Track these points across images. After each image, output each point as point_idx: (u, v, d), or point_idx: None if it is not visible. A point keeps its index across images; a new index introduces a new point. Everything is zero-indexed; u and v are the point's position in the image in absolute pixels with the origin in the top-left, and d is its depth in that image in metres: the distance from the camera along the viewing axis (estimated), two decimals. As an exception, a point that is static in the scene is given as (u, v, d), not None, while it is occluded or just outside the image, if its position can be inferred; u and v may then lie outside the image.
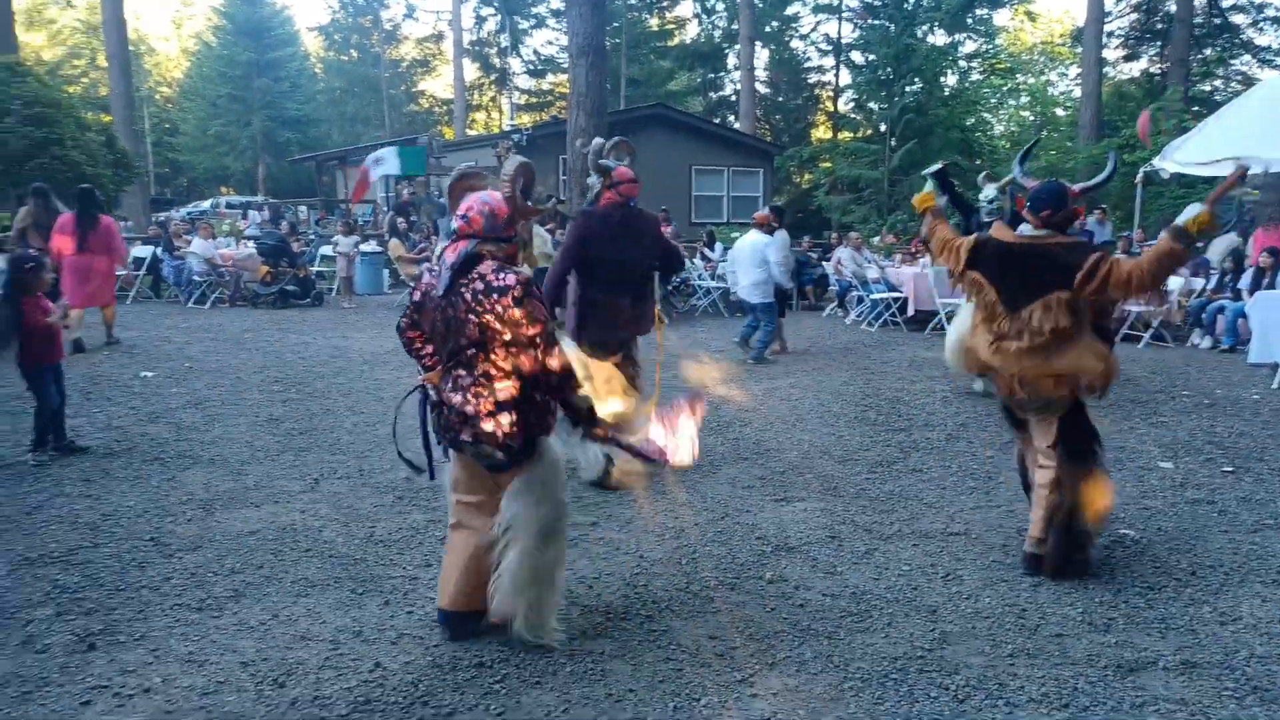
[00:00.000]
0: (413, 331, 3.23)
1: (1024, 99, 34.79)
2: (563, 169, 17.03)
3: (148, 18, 66.99)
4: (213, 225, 14.37)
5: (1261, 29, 25.77)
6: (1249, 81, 23.40)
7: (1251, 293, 9.40)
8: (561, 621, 3.27)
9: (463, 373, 3.00)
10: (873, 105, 27.70)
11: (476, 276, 2.93)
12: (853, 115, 31.03)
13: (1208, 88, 26.17)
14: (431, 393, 3.15)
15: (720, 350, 9.54)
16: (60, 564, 3.74)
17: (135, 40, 36.46)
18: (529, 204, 3.13)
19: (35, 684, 2.85)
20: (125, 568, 3.73)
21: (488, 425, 2.95)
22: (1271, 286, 9.28)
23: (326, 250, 14.80)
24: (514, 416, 2.97)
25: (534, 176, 3.09)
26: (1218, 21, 25.88)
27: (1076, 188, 3.92)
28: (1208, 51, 26.36)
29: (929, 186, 4.37)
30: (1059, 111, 32.94)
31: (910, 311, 11.18)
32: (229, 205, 28.80)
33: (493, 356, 2.96)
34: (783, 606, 3.55)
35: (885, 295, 11.59)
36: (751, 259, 8.85)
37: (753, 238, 8.96)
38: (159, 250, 13.01)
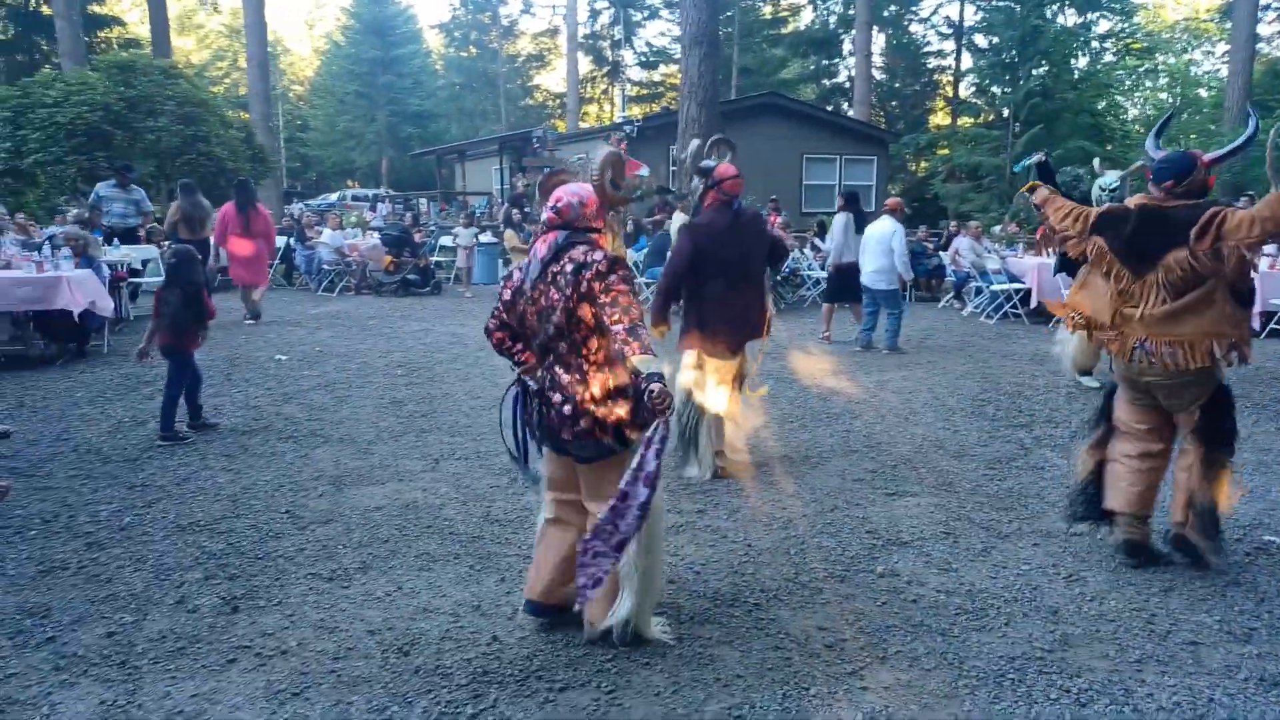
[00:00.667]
0: (500, 332, 3.17)
1: (1162, 80, 32.69)
2: (672, 159, 17.05)
3: (284, 20, 70.77)
4: (340, 216, 15.11)
5: None
6: None
7: None
8: (668, 610, 3.32)
9: (560, 370, 2.96)
10: (995, 90, 26.67)
11: (566, 260, 2.91)
12: (974, 100, 29.92)
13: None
14: (532, 384, 3.07)
15: (832, 341, 9.39)
16: (207, 532, 4.04)
17: (272, 42, 38.58)
18: (619, 193, 3.11)
19: (189, 640, 3.10)
20: (264, 538, 4.00)
21: (586, 422, 2.90)
22: None
23: (446, 241, 15.36)
24: (617, 405, 2.91)
25: (624, 166, 3.10)
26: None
27: (1207, 156, 3.66)
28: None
29: (1032, 177, 4.21)
30: (1202, 93, 30.78)
31: (1033, 303, 10.70)
32: (355, 198, 30.14)
33: (586, 349, 2.91)
34: (894, 601, 3.50)
35: (1006, 286, 11.14)
36: (879, 246, 8.69)
37: (883, 225, 8.78)
38: (292, 240, 13.79)
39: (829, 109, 27.80)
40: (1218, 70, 31.06)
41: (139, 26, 31.49)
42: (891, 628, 3.28)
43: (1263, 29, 24.92)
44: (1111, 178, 6.84)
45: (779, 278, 12.54)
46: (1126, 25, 28.74)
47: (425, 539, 4.03)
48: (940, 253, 13.80)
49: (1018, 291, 11.05)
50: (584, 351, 2.94)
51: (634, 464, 2.78)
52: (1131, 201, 3.80)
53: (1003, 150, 23.00)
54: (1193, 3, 36.12)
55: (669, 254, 5.03)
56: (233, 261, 10.09)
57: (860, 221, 9.26)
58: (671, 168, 17.37)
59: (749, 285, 5.01)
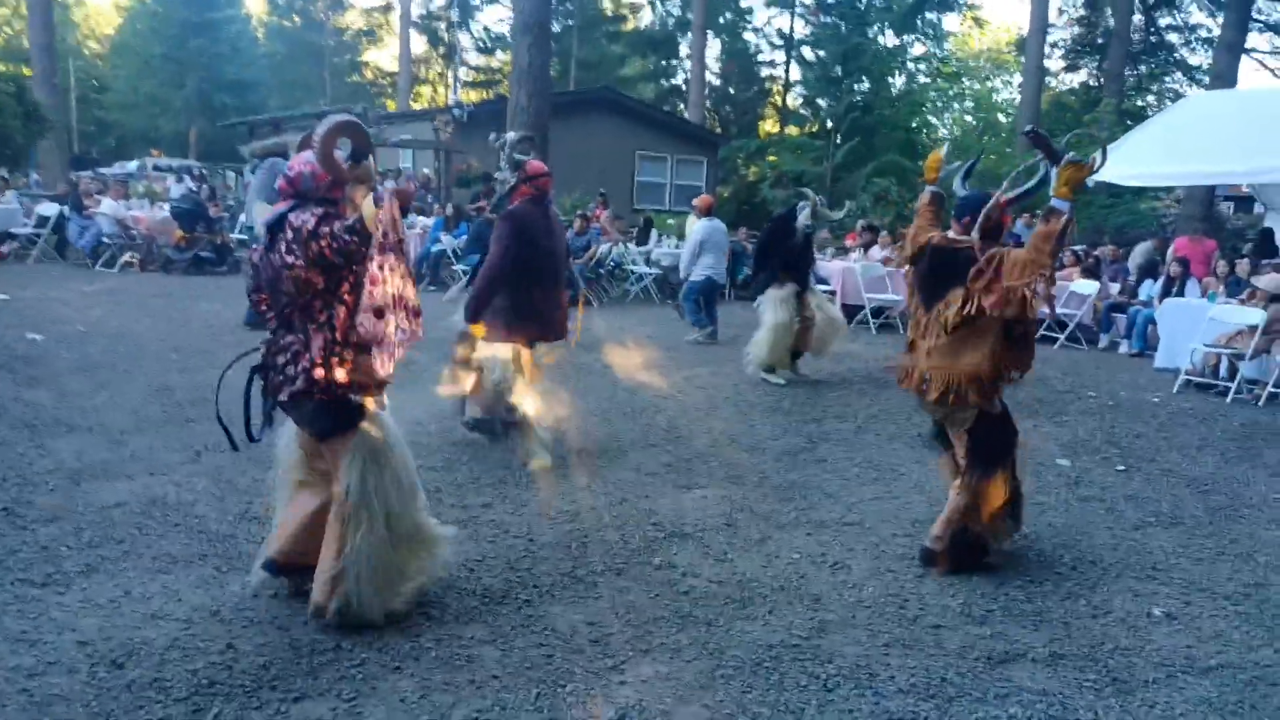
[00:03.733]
0: (257, 294, 3.07)
1: (968, 103, 35.37)
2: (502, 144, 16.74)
3: (80, -31, 63.91)
4: (128, 186, 13.77)
5: (1193, 49, 26.57)
6: (1179, 98, 24.12)
7: (1161, 299, 9.66)
8: (431, 610, 3.16)
9: (283, 332, 2.94)
10: (820, 101, 27.91)
11: (286, 227, 2.83)
12: (801, 111, 31.20)
13: (1141, 103, 26.90)
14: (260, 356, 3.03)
15: (649, 336, 9.46)
16: (-104, 532, 3.49)
17: (63, -9, 34.90)
18: (354, 167, 2.92)
19: None
20: (-31, 538, 3.50)
21: (303, 383, 2.87)
22: (1180, 295, 9.54)
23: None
24: (328, 373, 2.87)
25: (365, 137, 2.89)
26: (1153, 39, 26.61)
27: (1005, 198, 3.76)
28: (1142, 68, 27.09)
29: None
30: (1001, 118, 33.54)
31: (837, 305, 11.23)
32: (157, 167, 27.73)
33: (311, 310, 2.87)
34: (666, 593, 3.49)
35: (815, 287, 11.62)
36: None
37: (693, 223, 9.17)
38: (66, 210, 12.40)
39: (665, 109, 28.21)
40: (1014, 99, 33.95)
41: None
42: (660, 619, 3.27)
43: (1050, 64, 27.42)
44: (805, 219, 7.43)
45: (600, 271, 12.56)
46: (938, 50, 30.93)
47: (169, 538, 3.66)
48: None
49: (824, 293, 11.55)
50: (308, 314, 2.89)
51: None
52: (938, 237, 3.84)
53: (824, 160, 24.08)
54: (995, 35, 39.31)
55: (491, 242, 4.88)
56: None
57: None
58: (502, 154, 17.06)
59: (556, 283, 5.06)
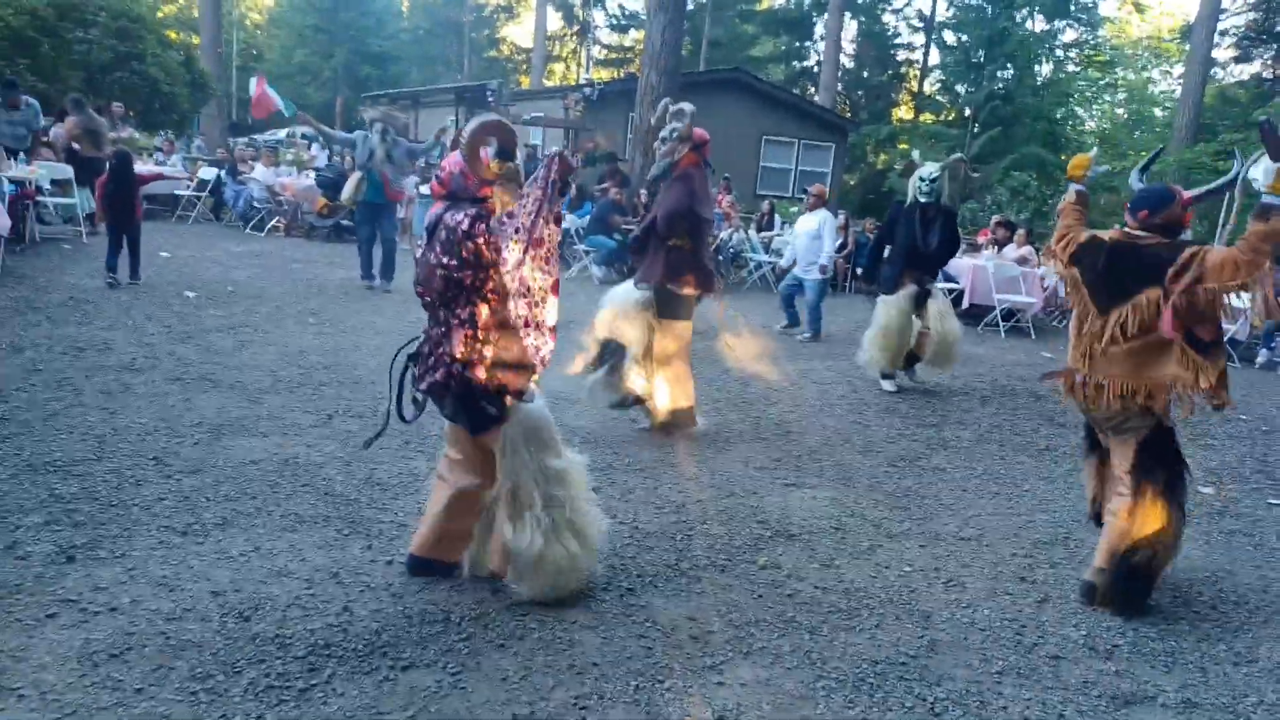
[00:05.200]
0: (418, 287, 3.16)
1: (1120, 95, 33.19)
2: (630, 127, 16.77)
3: (245, -56, 67.71)
4: (277, 153, 14.52)
5: (1389, 39, 24.04)
6: (1366, 94, 21.90)
7: (1334, 318, 8.82)
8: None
9: (430, 325, 3.04)
10: (959, 88, 26.76)
11: (441, 227, 2.93)
12: (938, 97, 30.01)
13: (1321, 98, 24.60)
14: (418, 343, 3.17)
15: (764, 326, 9.33)
16: (61, 473, 3.80)
17: (230, -35, 36.97)
18: (506, 166, 2.99)
19: (8, 589, 2.89)
20: (122, 484, 3.77)
21: (441, 375, 2.96)
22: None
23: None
24: (477, 371, 2.94)
25: (512, 136, 2.96)
26: (1342, 27, 24.23)
27: (1188, 194, 3.51)
28: (1326, 59, 24.73)
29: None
30: (1157, 111, 31.33)
31: (965, 305, 10.78)
32: (304, 136, 29.18)
33: (455, 307, 2.94)
34: (770, 594, 3.44)
35: (942, 285, 11.19)
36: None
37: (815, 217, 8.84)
38: (223, 174, 13.22)
39: (794, 91, 27.65)
40: (1173, 90, 31.63)
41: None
42: (762, 621, 3.22)
43: (1218, 54, 25.37)
44: (932, 168, 6.61)
45: (719, 258, 12.45)
46: (1091, 37, 29.05)
47: (297, 498, 3.85)
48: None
49: (951, 292, 11.11)
50: (457, 311, 2.95)
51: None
52: (1106, 234, 3.62)
53: (960, 149, 23.14)
54: (1156, 21, 36.67)
55: (675, 204, 5.05)
56: None
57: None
58: (629, 135, 17.09)
59: (705, 247, 5.34)
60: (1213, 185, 3.68)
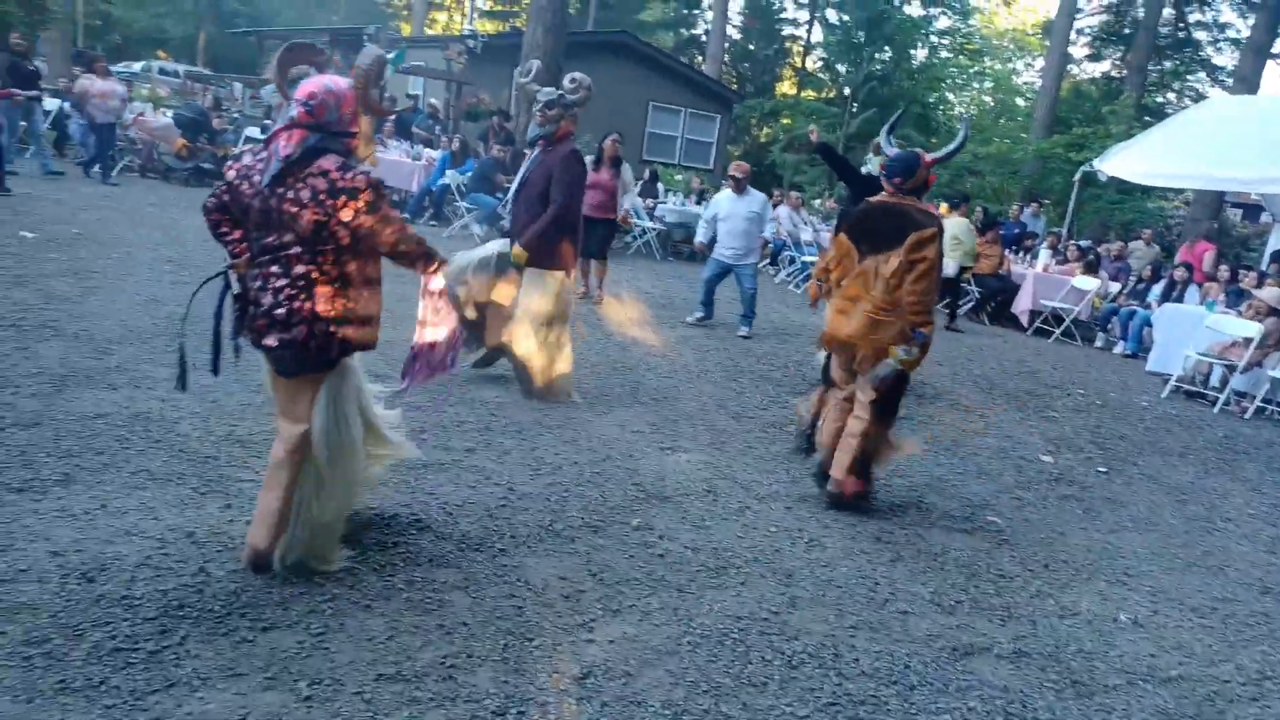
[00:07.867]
0: (219, 213, 2.87)
1: (988, 83, 34.88)
2: (514, 84, 16.41)
3: None
4: (131, 88, 13.44)
5: (1220, 49, 26.13)
6: (1200, 98, 23.84)
7: (1161, 303, 9.65)
8: (409, 551, 3.16)
9: (277, 271, 2.75)
10: (840, 67, 27.46)
11: (318, 173, 2.69)
12: (820, 75, 30.71)
13: (1161, 99, 26.60)
14: (235, 284, 2.86)
15: (646, 293, 9.40)
16: (-128, 424, 3.45)
17: (76, -124, 33.64)
18: (384, 104, 2.89)
19: None
20: (-54, 437, 3.46)
21: (301, 331, 2.74)
22: (1180, 300, 9.53)
23: (254, 132, 14.02)
24: (331, 325, 2.78)
25: (384, 73, 2.85)
26: (1181, 35, 26.18)
27: (929, 156, 4.15)
28: (1166, 64, 26.70)
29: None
30: (1019, 101, 33.14)
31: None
32: (163, 71, 27.12)
33: (319, 259, 2.73)
34: (642, 554, 3.50)
35: (815, 258, 11.56)
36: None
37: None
38: (67, 106, 12.13)
39: (682, 60, 27.70)
40: (1035, 82, 33.49)
41: None
42: (632, 580, 3.28)
43: (1074, 51, 27.00)
44: (873, 163, 7.31)
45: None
46: (963, 25, 30.37)
47: (149, 454, 3.63)
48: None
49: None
50: (322, 263, 2.74)
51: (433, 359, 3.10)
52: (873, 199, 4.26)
53: (839, 127, 23.79)
54: (1021, 15, 38.64)
55: (563, 180, 5.15)
56: None
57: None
58: (513, 91, 16.72)
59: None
60: (948, 150, 4.44)
